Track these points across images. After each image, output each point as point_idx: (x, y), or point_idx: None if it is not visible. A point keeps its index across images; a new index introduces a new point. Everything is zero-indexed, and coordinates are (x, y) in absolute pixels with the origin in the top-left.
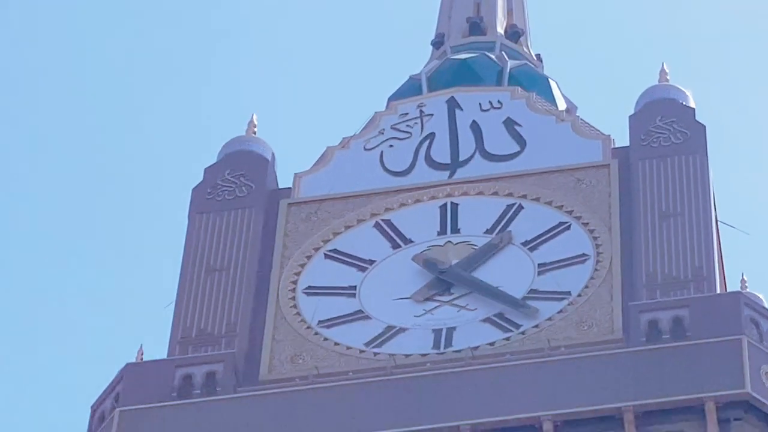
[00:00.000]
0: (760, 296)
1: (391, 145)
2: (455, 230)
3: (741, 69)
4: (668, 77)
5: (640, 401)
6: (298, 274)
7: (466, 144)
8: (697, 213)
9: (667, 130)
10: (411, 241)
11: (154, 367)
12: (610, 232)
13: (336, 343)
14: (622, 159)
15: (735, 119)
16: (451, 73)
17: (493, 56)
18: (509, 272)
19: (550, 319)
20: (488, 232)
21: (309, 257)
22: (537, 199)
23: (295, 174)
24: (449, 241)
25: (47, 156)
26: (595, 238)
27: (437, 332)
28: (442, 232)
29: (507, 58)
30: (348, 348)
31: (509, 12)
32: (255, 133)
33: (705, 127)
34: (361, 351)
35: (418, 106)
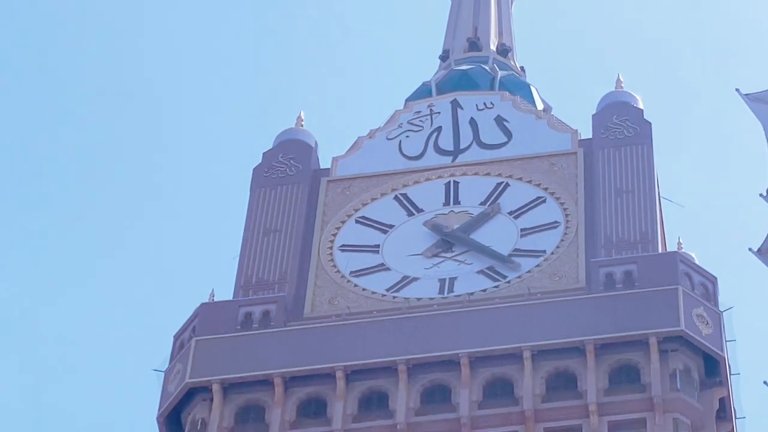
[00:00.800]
0: (693, 255)
1: (407, 136)
2: (456, 202)
3: (681, 78)
4: (623, 85)
5: (598, 336)
6: (334, 235)
7: (466, 135)
8: (643, 190)
9: (622, 126)
10: (422, 210)
11: (222, 307)
12: (577, 204)
13: (363, 289)
14: (587, 148)
15: (676, 117)
16: (455, 80)
17: (487, 68)
18: (498, 235)
19: (529, 271)
20: (482, 203)
21: (343, 222)
22: (520, 179)
23: (333, 158)
24: (452, 211)
25: (145, 140)
26: (564, 209)
27: (442, 281)
28: (447, 203)
29: (498, 69)
30: (372, 293)
31: (500, 33)
32: (302, 125)
33: (651, 123)
34: (383, 295)
35: (429, 106)
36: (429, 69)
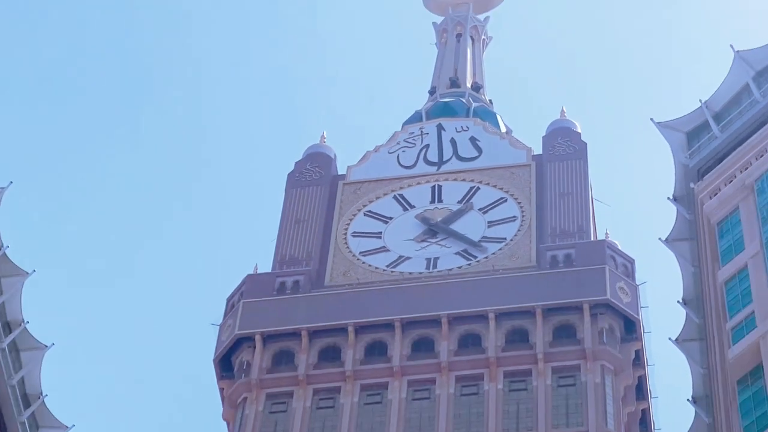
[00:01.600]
0: (617, 242)
1: (403, 151)
2: (440, 201)
3: (609, 108)
4: (566, 114)
5: (545, 302)
6: (348, 225)
7: (448, 151)
8: (580, 193)
9: (564, 145)
10: (414, 207)
11: (263, 277)
12: (530, 204)
13: (369, 265)
14: (538, 162)
15: (606, 138)
16: (440, 109)
17: (463, 100)
18: (471, 226)
19: (494, 253)
20: (459, 202)
21: (354, 215)
22: (488, 184)
23: (348, 166)
24: (436, 207)
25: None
26: (521, 207)
27: (428, 260)
28: (432, 201)
29: (472, 102)
30: (376, 268)
31: (474, 74)
32: (324, 141)
33: (586, 144)
34: (384, 270)
35: (420, 128)
36: (420, 100)
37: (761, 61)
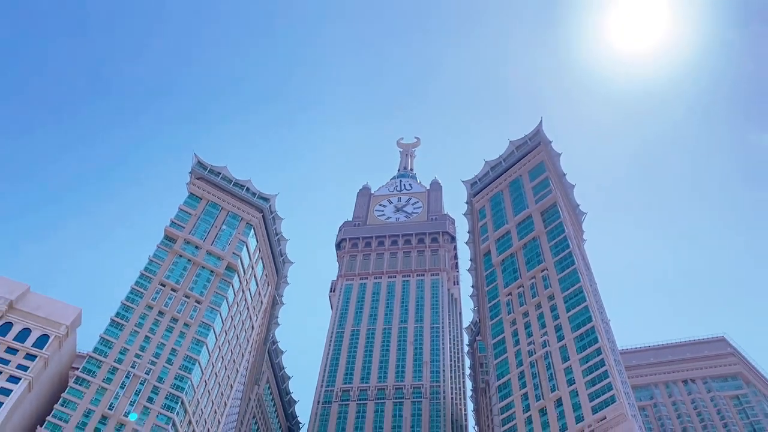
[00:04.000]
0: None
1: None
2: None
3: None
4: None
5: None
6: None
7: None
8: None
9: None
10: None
11: (347, 226)
12: (426, 203)
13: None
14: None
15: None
16: (400, 175)
17: (408, 175)
18: None
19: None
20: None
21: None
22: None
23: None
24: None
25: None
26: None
27: None
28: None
29: (408, 177)
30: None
31: (411, 164)
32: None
33: (441, 186)
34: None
35: (394, 178)
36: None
37: None
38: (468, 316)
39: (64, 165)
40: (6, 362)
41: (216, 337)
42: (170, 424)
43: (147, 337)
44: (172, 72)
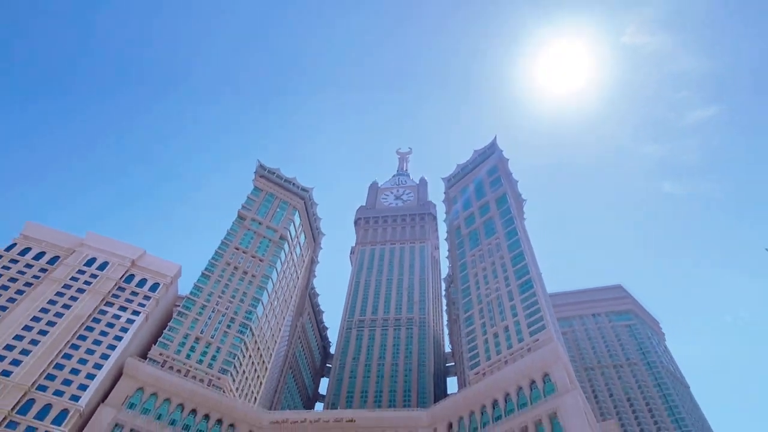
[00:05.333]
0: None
1: (390, 181)
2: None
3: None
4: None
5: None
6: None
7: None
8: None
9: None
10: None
11: (362, 209)
12: (416, 196)
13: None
14: (420, 186)
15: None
16: (397, 175)
17: (406, 174)
18: None
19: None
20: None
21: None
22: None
23: (380, 186)
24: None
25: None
26: (415, 192)
27: None
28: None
29: (405, 175)
30: (390, 204)
31: (407, 167)
32: (378, 182)
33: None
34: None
35: (395, 176)
36: (392, 172)
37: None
38: (444, 271)
39: (176, 162)
40: (130, 301)
41: (273, 285)
42: (242, 343)
43: (226, 284)
44: (236, 107)
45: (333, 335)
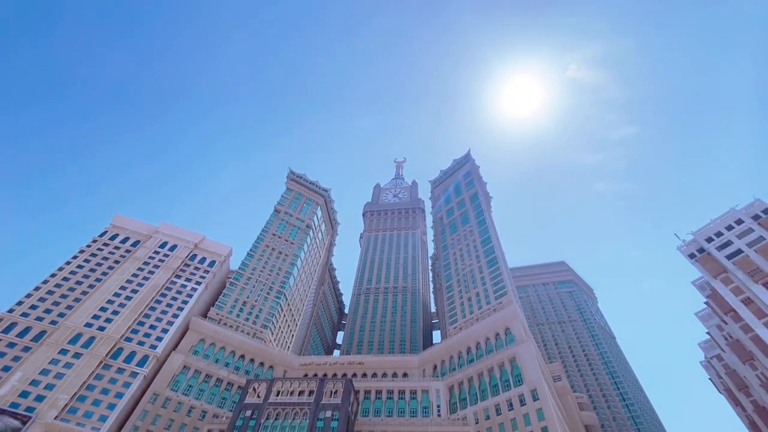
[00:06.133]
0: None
1: (391, 183)
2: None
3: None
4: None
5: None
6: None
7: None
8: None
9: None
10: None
11: (368, 204)
12: (409, 195)
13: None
14: (413, 187)
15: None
16: (394, 179)
17: (401, 178)
18: None
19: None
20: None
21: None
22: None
23: (381, 186)
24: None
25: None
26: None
27: None
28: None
29: (401, 179)
30: (389, 200)
31: (402, 172)
32: (380, 185)
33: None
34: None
35: (394, 179)
36: (391, 176)
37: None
38: (431, 251)
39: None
40: (194, 274)
41: (301, 262)
42: (278, 306)
43: (266, 261)
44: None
45: (347, 299)
